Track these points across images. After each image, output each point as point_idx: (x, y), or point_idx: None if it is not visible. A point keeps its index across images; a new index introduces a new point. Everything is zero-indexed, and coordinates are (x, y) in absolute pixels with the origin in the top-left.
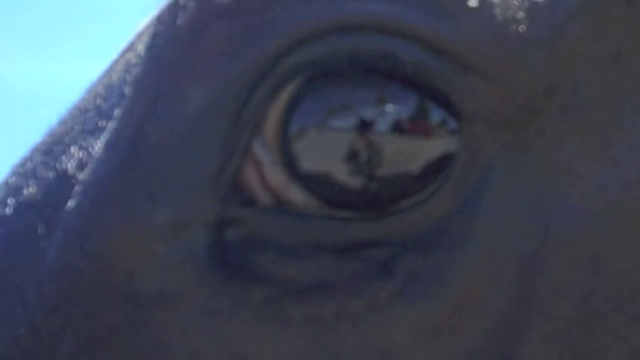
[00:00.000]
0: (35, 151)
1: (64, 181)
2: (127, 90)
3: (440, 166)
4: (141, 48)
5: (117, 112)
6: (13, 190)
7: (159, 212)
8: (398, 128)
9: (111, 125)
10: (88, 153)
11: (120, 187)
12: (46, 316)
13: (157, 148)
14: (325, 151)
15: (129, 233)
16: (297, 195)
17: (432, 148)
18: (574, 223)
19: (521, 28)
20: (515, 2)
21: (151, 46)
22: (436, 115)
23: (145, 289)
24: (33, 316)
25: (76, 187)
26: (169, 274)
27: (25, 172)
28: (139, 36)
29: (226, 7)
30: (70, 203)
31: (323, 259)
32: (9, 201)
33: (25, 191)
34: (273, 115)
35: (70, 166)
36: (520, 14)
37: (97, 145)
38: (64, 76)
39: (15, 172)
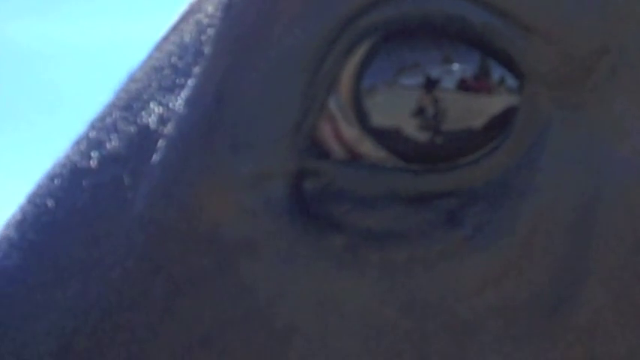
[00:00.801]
0: (112, 106)
1: (147, 135)
2: (207, 49)
3: (502, 122)
4: (211, 9)
5: (195, 70)
6: (96, 143)
7: (242, 164)
8: (463, 86)
9: (190, 82)
10: (168, 109)
11: (205, 141)
12: (137, 262)
13: (239, 105)
14: (395, 107)
15: (214, 184)
16: (369, 148)
17: (495, 104)
18: (624, 176)
19: None
20: None
21: (229, 7)
22: (498, 74)
23: (230, 236)
24: (124, 262)
25: (160, 141)
26: (252, 223)
27: (105, 126)
28: None
29: None
30: (155, 156)
31: (396, 208)
32: (92, 154)
33: (107, 145)
34: (347, 73)
35: (151, 121)
36: None
37: (178, 102)
38: (67, 36)
39: (95, 127)
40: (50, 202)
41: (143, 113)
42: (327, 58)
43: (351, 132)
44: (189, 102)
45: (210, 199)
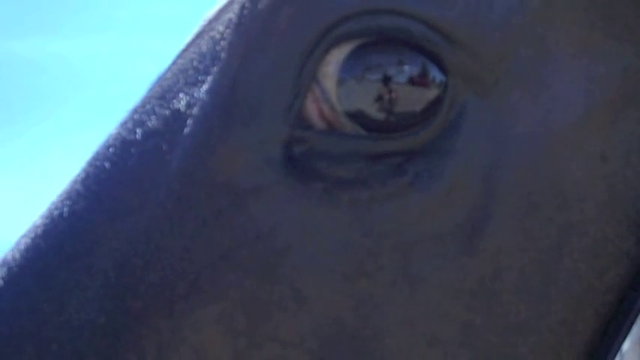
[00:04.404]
0: (150, 97)
1: (178, 116)
2: (222, 55)
3: (434, 106)
4: (222, 28)
5: (213, 69)
6: (139, 123)
7: (250, 133)
8: (410, 81)
9: (209, 79)
10: (194, 97)
11: (223, 117)
12: (174, 203)
13: (248, 93)
14: (362, 94)
15: (230, 147)
16: (342, 123)
17: (430, 94)
18: (518, 146)
19: (487, 15)
20: None
21: (239, 23)
22: (433, 72)
23: (241, 185)
24: (165, 204)
25: (189, 120)
26: (258, 174)
27: (146, 111)
28: (217, 19)
29: None
30: (186, 130)
31: (360, 164)
32: (137, 130)
33: (149, 124)
34: (330, 68)
35: (181, 106)
36: (485, 6)
37: (201, 92)
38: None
39: (137, 112)
40: (107, 164)
41: (175, 101)
42: (311, 58)
43: (329, 110)
44: (211, 92)
45: (228, 158)
